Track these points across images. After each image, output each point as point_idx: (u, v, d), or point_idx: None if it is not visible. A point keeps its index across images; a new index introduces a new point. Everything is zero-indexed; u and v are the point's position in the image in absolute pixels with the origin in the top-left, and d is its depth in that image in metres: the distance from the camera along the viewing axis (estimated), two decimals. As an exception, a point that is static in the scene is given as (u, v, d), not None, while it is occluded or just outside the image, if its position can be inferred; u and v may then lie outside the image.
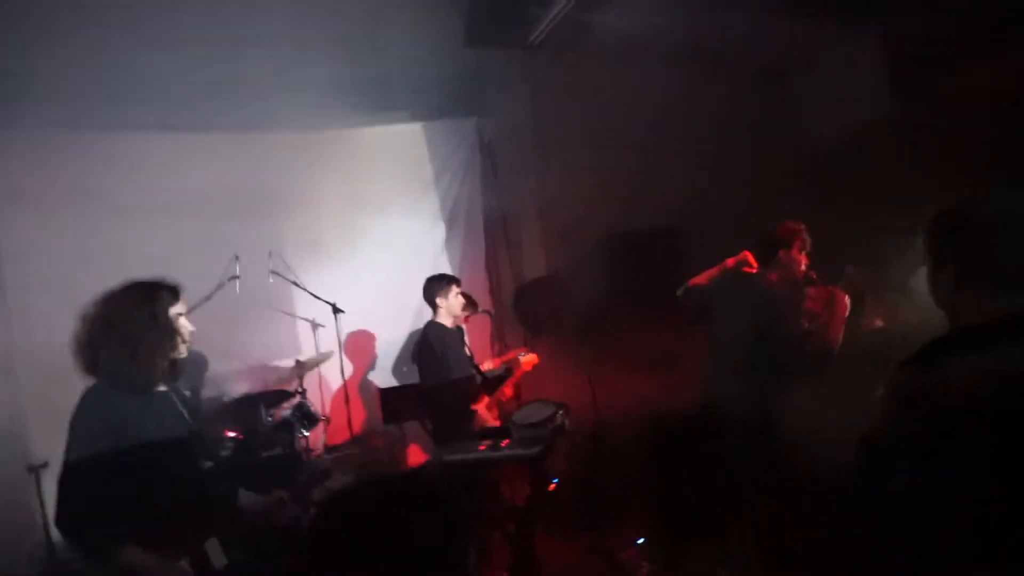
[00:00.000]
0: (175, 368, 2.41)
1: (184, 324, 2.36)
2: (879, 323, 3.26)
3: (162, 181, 4.79)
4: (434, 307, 4.33)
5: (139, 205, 4.69)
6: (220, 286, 4.47)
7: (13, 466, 3.99)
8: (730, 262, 3.49)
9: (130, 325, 2.21)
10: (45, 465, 3.92)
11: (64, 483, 2.12)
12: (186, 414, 2.46)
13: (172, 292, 2.35)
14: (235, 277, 4.51)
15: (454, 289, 4.32)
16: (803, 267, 3.34)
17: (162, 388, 2.39)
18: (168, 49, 4.44)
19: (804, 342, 3.15)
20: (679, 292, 3.57)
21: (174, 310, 2.33)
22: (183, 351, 2.37)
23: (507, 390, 4.37)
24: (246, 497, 2.88)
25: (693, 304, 3.55)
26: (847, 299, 3.16)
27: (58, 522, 2.13)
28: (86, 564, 2.18)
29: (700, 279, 3.53)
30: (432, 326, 4.36)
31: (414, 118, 5.70)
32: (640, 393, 4.37)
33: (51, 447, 3.93)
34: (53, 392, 3.95)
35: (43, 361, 4.15)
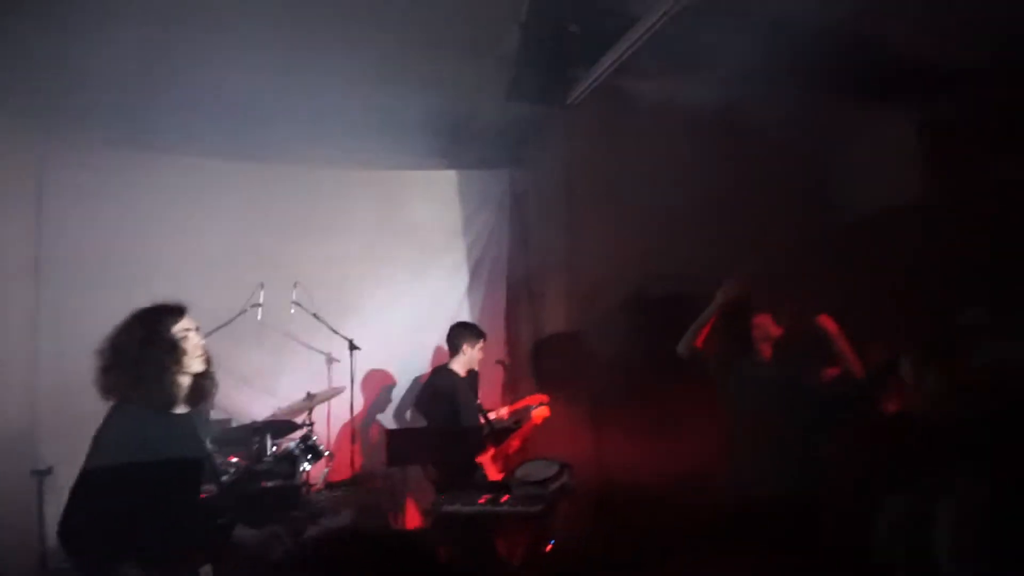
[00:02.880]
0: (198, 388, 2.46)
1: (192, 340, 2.41)
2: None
3: (198, 206, 4.93)
4: (456, 353, 4.35)
5: (171, 227, 4.83)
6: (241, 312, 4.55)
7: (19, 470, 4.02)
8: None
9: (133, 348, 2.31)
10: (50, 471, 3.95)
11: (75, 494, 2.16)
12: (202, 439, 2.51)
13: (175, 312, 2.42)
14: (257, 304, 4.59)
15: (480, 344, 4.36)
16: (776, 330, 3.33)
17: (183, 410, 2.43)
18: (210, 79, 4.59)
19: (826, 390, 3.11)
20: (680, 348, 3.50)
21: (179, 328, 2.39)
22: (196, 365, 2.41)
23: (515, 442, 4.33)
24: (242, 529, 2.89)
25: (695, 365, 3.50)
26: (827, 321, 3.11)
27: (61, 532, 2.15)
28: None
29: (703, 340, 3.46)
30: (442, 372, 4.36)
31: (448, 165, 5.80)
32: (648, 458, 4.31)
33: (58, 454, 4.04)
34: (69, 401, 4.07)
35: (64, 370, 4.25)
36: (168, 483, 2.28)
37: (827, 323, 3.14)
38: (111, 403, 2.29)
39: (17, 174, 4.60)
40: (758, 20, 4.44)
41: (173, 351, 2.35)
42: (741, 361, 3.33)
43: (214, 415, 4.78)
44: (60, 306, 4.55)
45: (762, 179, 5.72)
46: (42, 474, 3.92)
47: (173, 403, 2.38)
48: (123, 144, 4.78)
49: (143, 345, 2.31)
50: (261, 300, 4.60)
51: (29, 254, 4.62)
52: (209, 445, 4.13)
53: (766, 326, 3.33)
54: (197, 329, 2.46)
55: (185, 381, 2.40)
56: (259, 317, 4.60)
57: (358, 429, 4.86)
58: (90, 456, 2.20)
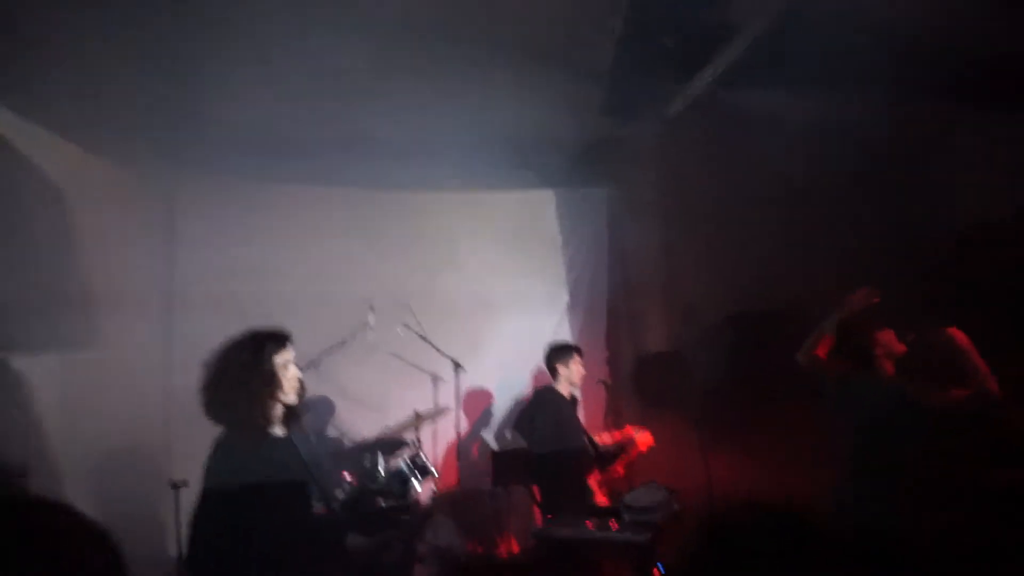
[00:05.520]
0: (292, 414, 2.53)
1: (291, 372, 2.47)
2: None
3: (312, 231, 5.23)
4: (554, 374, 4.36)
5: (289, 252, 5.13)
6: (353, 334, 4.76)
7: (158, 481, 4.34)
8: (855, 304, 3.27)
9: (235, 372, 2.38)
10: (185, 483, 4.24)
11: (195, 525, 2.29)
12: (306, 460, 2.57)
13: (278, 340, 2.48)
14: (367, 326, 4.78)
15: (576, 358, 4.33)
16: (899, 347, 3.12)
17: (281, 433, 2.50)
18: (318, 108, 4.82)
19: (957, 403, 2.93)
20: (800, 356, 3.34)
21: (280, 358, 2.44)
22: (290, 397, 2.47)
23: (619, 468, 4.30)
24: (354, 538, 2.99)
25: (814, 375, 3.34)
26: (957, 334, 2.91)
27: (187, 563, 2.30)
28: None
29: (824, 351, 3.30)
30: (546, 392, 4.38)
31: (546, 184, 5.86)
32: (758, 480, 4.18)
33: (194, 469, 4.34)
34: (201, 419, 4.38)
35: (195, 389, 4.57)
36: (275, 505, 2.36)
37: (957, 336, 2.91)
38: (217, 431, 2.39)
39: (151, 208, 5.03)
40: (863, 26, 4.27)
41: (270, 383, 2.41)
42: (861, 378, 3.15)
43: (329, 433, 5.04)
44: (191, 325, 4.89)
45: (869, 191, 5.49)
46: (179, 486, 4.21)
47: (267, 428, 2.44)
48: (247, 175, 5.11)
49: (243, 371, 2.38)
50: (372, 322, 4.79)
51: (165, 279, 5.02)
52: (324, 462, 4.36)
53: (889, 343, 3.14)
54: (293, 360, 2.51)
55: (278, 409, 2.47)
56: (369, 339, 4.79)
57: (462, 447, 4.96)
58: (202, 491, 2.31)
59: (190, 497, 4.19)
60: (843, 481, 3.15)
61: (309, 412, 4.74)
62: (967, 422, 3.04)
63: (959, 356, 2.92)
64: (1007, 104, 5.22)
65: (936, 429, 3.00)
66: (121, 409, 4.41)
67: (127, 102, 4.28)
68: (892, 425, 2.99)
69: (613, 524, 3.31)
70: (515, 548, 4.43)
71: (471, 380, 5.28)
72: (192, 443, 4.47)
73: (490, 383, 5.44)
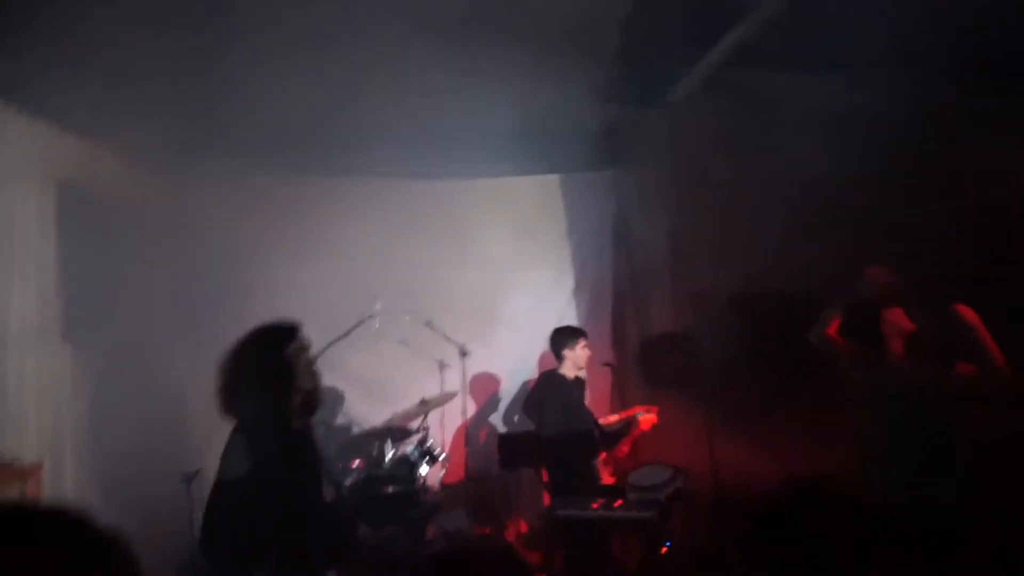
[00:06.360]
0: (309, 402, 2.55)
1: (303, 359, 2.50)
2: None
3: (318, 221, 5.26)
4: (560, 358, 4.39)
5: (295, 241, 5.19)
6: (360, 322, 4.79)
7: (173, 471, 4.41)
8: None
9: (248, 368, 2.43)
10: (197, 473, 4.31)
11: (209, 509, 2.35)
12: (319, 448, 2.62)
13: (288, 331, 2.51)
14: (374, 315, 4.82)
15: (582, 342, 4.36)
16: (909, 325, 3.11)
17: (298, 424, 2.52)
18: (327, 97, 4.79)
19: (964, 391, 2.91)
20: (812, 335, 3.34)
21: (291, 348, 2.48)
22: (305, 383, 2.50)
23: (624, 447, 4.33)
24: (363, 530, 3.04)
25: (824, 354, 3.34)
26: (964, 311, 2.89)
27: (201, 544, 2.35)
28: None
29: (834, 329, 3.29)
30: (551, 376, 4.41)
31: (552, 169, 5.85)
32: (762, 459, 4.19)
33: (206, 457, 4.40)
34: (213, 408, 4.44)
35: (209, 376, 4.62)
36: (291, 493, 2.39)
37: (965, 312, 2.91)
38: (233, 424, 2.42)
39: (160, 198, 5.05)
40: (876, 6, 4.20)
41: (285, 372, 2.45)
42: (871, 358, 3.15)
43: (337, 422, 5.09)
44: (203, 320, 4.95)
45: (880, 173, 5.41)
46: (191, 476, 4.27)
47: (286, 419, 2.46)
48: (255, 165, 5.13)
49: (257, 367, 2.43)
50: (378, 309, 4.83)
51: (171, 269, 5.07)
52: (334, 451, 4.41)
53: (898, 321, 3.13)
54: (308, 347, 2.55)
55: (296, 398, 2.49)
56: (376, 327, 4.83)
57: (470, 432, 5.00)
58: (219, 475, 2.36)
59: (203, 487, 4.30)
60: (865, 461, 3.15)
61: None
62: (976, 399, 3.03)
63: (967, 332, 2.91)
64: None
65: (950, 408, 3.00)
66: (134, 401, 4.48)
67: (138, 90, 4.28)
68: (906, 403, 2.99)
69: (619, 503, 3.34)
70: (523, 529, 4.48)
71: (479, 365, 5.31)
72: (205, 435, 4.58)
73: (498, 368, 5.47)
